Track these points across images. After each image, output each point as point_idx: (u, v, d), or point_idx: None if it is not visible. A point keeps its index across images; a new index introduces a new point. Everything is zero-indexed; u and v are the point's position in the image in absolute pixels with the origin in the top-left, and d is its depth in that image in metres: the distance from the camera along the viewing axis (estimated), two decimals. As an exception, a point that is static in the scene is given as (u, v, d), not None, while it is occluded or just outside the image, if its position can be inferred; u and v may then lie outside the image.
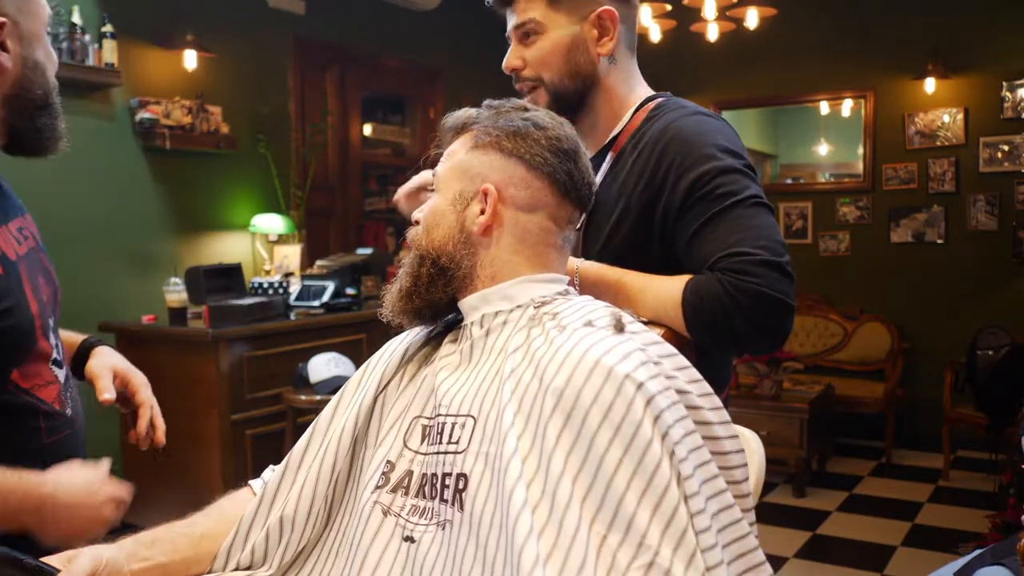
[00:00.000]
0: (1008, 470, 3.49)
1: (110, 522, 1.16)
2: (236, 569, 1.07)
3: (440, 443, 1.01)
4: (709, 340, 1.19)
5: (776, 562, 3.43)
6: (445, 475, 0.99)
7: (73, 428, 1.25)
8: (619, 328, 1.00)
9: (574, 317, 1.02)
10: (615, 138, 1.41)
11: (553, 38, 1.36)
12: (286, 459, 1.15)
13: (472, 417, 1.00)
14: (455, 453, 0.99)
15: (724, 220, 1.21)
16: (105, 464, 1.19)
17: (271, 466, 1.20)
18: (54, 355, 1.22)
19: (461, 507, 0.96)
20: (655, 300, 1.21)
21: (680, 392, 0.97)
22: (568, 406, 0.92)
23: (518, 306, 1.07)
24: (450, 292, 1.10)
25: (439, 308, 1.12)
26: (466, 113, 1.16)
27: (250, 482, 1.19)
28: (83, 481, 1.13)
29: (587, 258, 1.32)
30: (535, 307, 1.06)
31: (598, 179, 1.34)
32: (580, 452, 0.90)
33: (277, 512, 1.09)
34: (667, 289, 1.21)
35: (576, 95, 1.40)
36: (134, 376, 1.33)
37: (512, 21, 1.39)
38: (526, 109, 1.14)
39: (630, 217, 1.31)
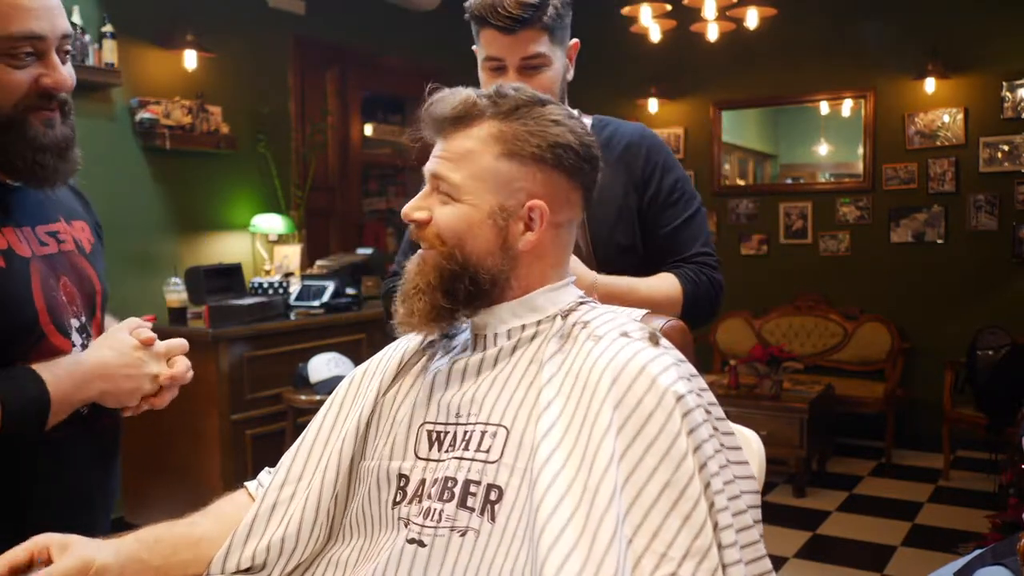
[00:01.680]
0: (1008, 470, 3.48)
1: (157, 377, 1.26)
2: (236, 571, 1.06)
3: (467, 449, 1.00)
4: (693, 319, 1.50)
5: (776, 562, 3.42)
6: (471, 482, 0.97)
7: (88, 423, 1.28)
8: (655, 341, 1.01)
9: (608, 327, 1.03)
10: None
11: (555, 72, 1.52)
12: (285, 471, 1.13)
13: (504, 427, 0.99)
14: (485, 462, 0.98)
15: (695, 221, 1.62)
16: (137, 324, 1.28)
17: (267, 469, 1.19)
18: (75, 351, 1.24)
19: (493, 518, 0.95)
20: (663, 296, 1.52)
21: (708, 410, 0.98)
22: (609, 411, 0.92)
23: (547, 316, 1.06)
24: (481, 305, 1.07)
25: (462, 317, 1.10)
26: (465, 99, 1.06)
27: (246, 484, 1.18)
28: (116, 345, 1.23)
29: (594, 248, 1.55)
30: (563, 317, 1.06)
31: None
32: (620, 454, 0.91)
33: (278, 528, 1.07)
34: (668, 285, 1.55)
35: None
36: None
37: (516, 51, 1.48)
38: (540, 103, 1.07)
39: (629, 206, 1.58)
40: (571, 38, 1.58)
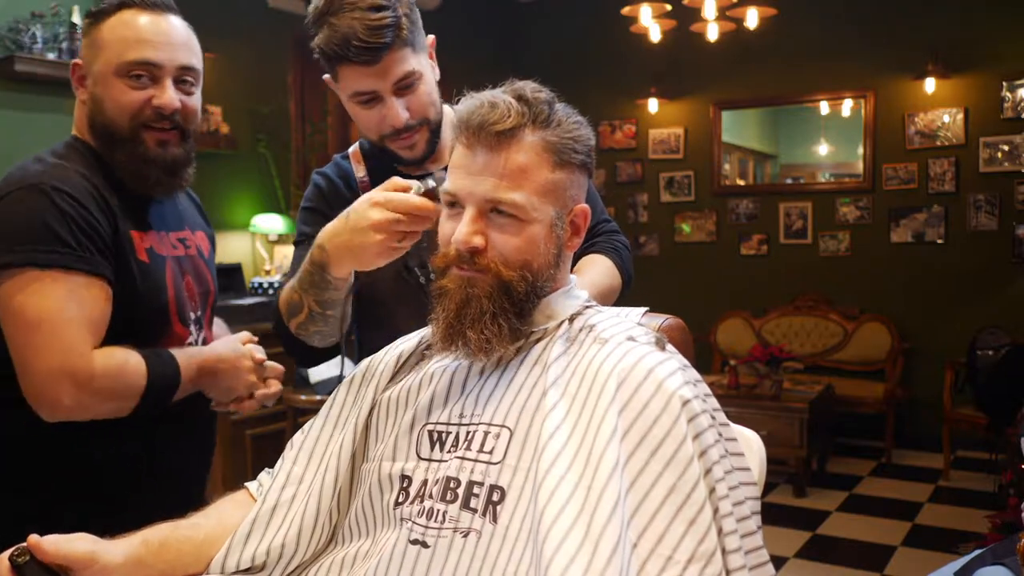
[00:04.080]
0: (1008, 470, 3.49)
1: (256, 382, 1.49)
2: (236, 572, 1.06)
3: (469, 449, 1.00)
4: (627, 287, 1.55)
5: (776, 562, 3.42)
6: (474, 483, 0.97)
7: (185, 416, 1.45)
8: (661, 346, 1.01)
9: (615, 330, 1.03)
10: None
11: (427, 81, 1.43)
12: (286, 473, 1.13)
13: (508, 428, 0.99)
14: (488, 463, 0.98)
15: (591, 193, 1.47)
16: (248, 337, 1.53)
17: (267, 470, 1.19)
18: (190, 339, 1.46)
19: (494, 519, 0.95)
20: (611, 279, 1.50)
21: (712, 416, 0.98)
22: (614, 416, 0.92)
23: (555, 322, 1.07)
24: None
25: None
26: (511, 112, 1.00)
27: (247, 485, 1.18)
28: (232, 348, 1.46)
29: None
30: (569, 320, 1.06)
31: None
32: (624, 459, 0.91)
33: (279, 531, 1.07)
34: (605, 267, 1.51)
35: (440, 124, 1.49)
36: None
37: (386, 78, 1.36)
38: (553, 102, 1.05)
39: None
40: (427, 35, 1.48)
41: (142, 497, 1.35)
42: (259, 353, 1.50)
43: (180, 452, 1.47)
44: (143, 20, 1.35)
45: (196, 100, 1.42)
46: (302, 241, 1.53)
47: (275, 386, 1.53)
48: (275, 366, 1.54)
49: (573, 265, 1.31)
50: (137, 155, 1.36)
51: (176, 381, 1.34)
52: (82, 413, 1.26)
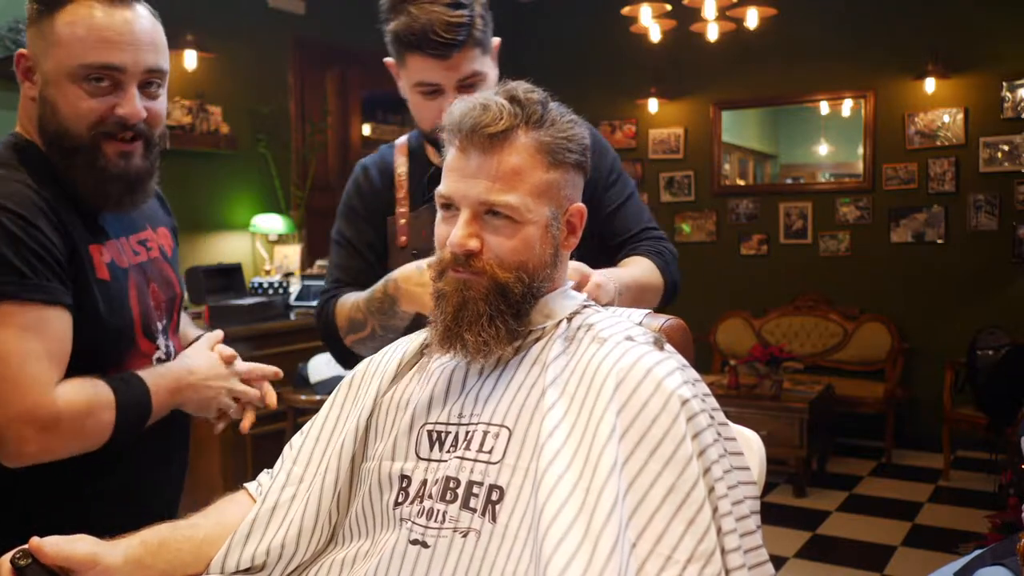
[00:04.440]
0: (1008, 470, 3.49)
1: (238, 389, 1.37)
2: (235, 572, 1.06)
3: (468, 449, 1.00)
4: (673, 292, 1.55)
5: (776, 562, 3.42)
6: (473, 483, 0.97)
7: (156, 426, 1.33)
8: (660, 346, 1.02)
9: (614, 330, 1.03)
10: None
11: (490, 82, 1.45)
12: (286, 473, 1.13)
13: (507, 428, 0.99)
14: (487, 463, 0.98)
15: (635, 199, 1.61)
16: (217, 338, 1.42)
17: (267, 470, 1.19)
18: (158, 354, 1.33)
19: (493, 519, 0.95)
20: (654, 279, 1.50)
21: (711, 415, 0.98)
22: (613, 416, 0.92)
23: (553, 322, 1.07)
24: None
25: None
26: (505, 112, 1.00)
27: (246, 485, 1.18)
28: (204, 360, 1.35)
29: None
30: (568, 320, 1.06)
31: None
32: (623, 459, 0.91)
33: (278, 531, 1.07)
34: (648, 268, 1.51)
35: None
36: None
37: (453, 74, 1.40)
38: (546, 101, 1.05)
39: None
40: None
41: (95, 514, 1.22)
42: (227, 351, 1.39)
43: (138, 467, 1.34)
44: (104, 14, 1.18)
45: (162, 103, 1.27)
46: (340, 242, 1.62)
47: (270, 395, 1.42)
48: (258, 368, 1.42)
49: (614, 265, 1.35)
50: (96, 169, 1.21)
51: (148, 410, 1.23)
52: (49, 457, 1.15)
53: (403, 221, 1.57)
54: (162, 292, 1.38)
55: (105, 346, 1.23)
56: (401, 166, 1.58)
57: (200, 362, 1.34)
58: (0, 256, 1.11)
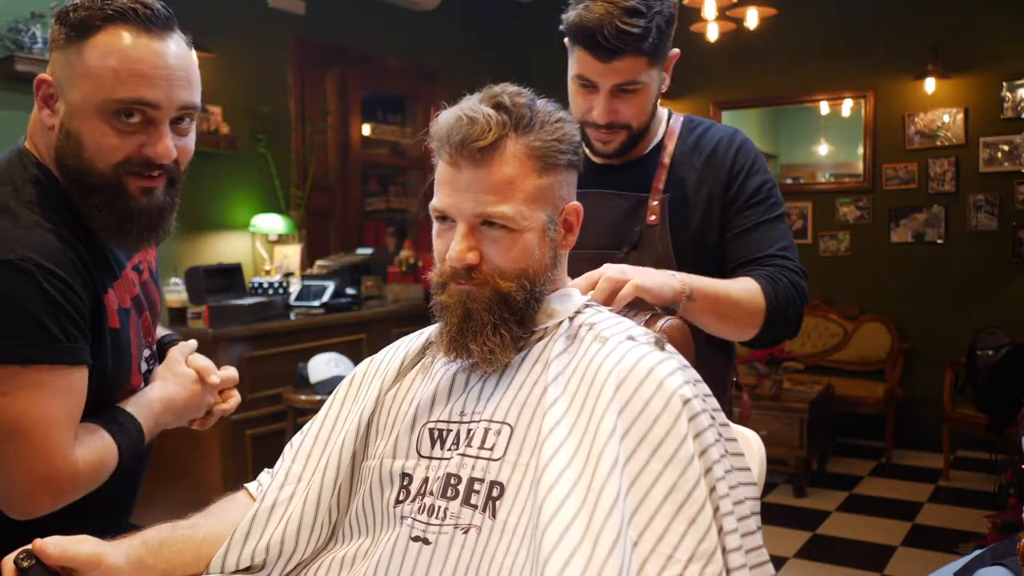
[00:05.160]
0: (1008, 470, 3.49)
1: (210, 403, 1.37)
2: (235, 571, 1.06)
3: (470, 446, 1.00)
4: (778, 325, 1.43)
5: (776, 562, 3.42)
6: (474, 479, 0.98)
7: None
8: (660, 346, 1.02)
9: (615, 330, 1.03)
10: (658, 145, 1.55)
11: (648, 92, 1.44)
12: (285, 472, 1.13)
13: (509, 425, 0.99)
14: (489, 460, 0.98)
15: (773, 226, 1.51)
16: (190, 349, 1.40)
17: (267, 470, 1.19)
18: (141, 386, 1.31)
19: (493, 515, 0.95)
20: (749, 299, 1.40)
21: (712, 416, 0.98)
22: (614, 416, 0.93)
23: (555, 322, 1.07)
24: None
25: None
26: (493, 124, 0.99)
27: (246, 485, 1.18)
28: (179, 380, 1.33)
29: (678, 254, 1.47)
30: (569, 319, 1.06)
31: (654, 178, 1.52)
32: (624, 458, 0.91)
33: (277, 528, 1.07)
34: (749, 286, 1.42)
35: (647, 130, 1.52)
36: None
37: (610, 78, 1.39)
38: (534, 100, 1.05)
39: (713, 210, 1.51)
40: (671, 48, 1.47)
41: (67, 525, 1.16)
42: (200, 362, 1.37)
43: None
44: (139, 45, 1.11)
45: (192, 139, 1.21)
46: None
47: (233, 399, 1.41)
48: (227, 376, 1.40)
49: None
50: (118, 208, 1.15)
51: (141, 447, 1.23)
52: (54, 509, 1.13)
53: None
54: (150, 317, 1.35)
55: (108, 392, 1.22)
56: None
57: (176, 387, 1.32)
58: (36, 319, 1.07)
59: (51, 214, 1.14)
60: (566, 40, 1.44)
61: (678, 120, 1.58)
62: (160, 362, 1.38)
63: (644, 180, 1.52)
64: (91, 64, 1.10)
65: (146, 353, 1.33)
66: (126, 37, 1.11)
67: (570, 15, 1.38)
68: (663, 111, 1.58)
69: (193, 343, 1.41)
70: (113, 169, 1.14)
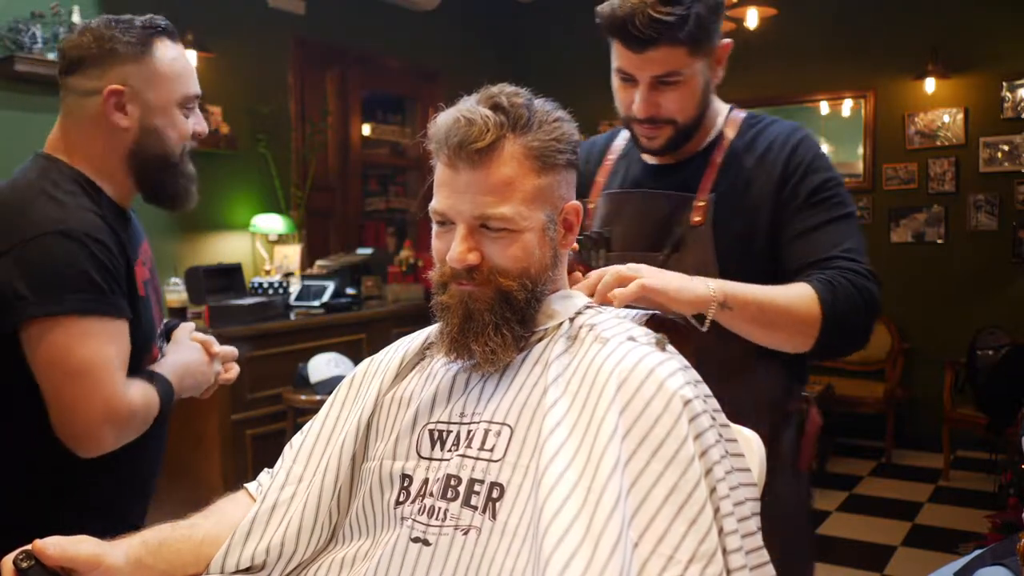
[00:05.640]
0: (1008, 470, 3.49)
1: (217, 370, 1.57)
2: (235, 571, 1.06)
3: (470, 447, 1.00)
4: (838, 336, 1.30)
5: (776, 562, 3.42)
6: (474, 480, 0.98)
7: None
8: (661, 347, 1.02)
9: (616, 331, 1.03)
10: (713, 143, 1.47)
11: (692, 84, 1.38)
12: (285, 472, 1.13)
13: (509, 426, 0.99)
14: (489, 461, 0.98)
15: (839, 226, 1.38)
16: (191, 328, 1.60)
17: (267, 470, 1.19)
18: (159, 359, 1.50)
19: (493, 516, 0.95)
20: (800, 305, 1.28)
21: (713, 416, 0.98)
22: (615, 416, 0.92)
23: (555, 323, 1.07)
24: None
25: None
26: (490, 125, 0.98)
27: (246, 485, 1.18)
28: (192, 353, 1.53)
29: (725, 257, 1.38)
30: (570, 320, 1.06)
31: (703, 177, 1.44)
32: (625, 459, 0.91)
33: (278, 529, 1.07)
34: (801, 288, 1.30)
35: (697, 125, 1.44)
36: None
37: (647, 69, 1.35)
38: (531, 100, 1.04)
39: (766, 211, 1.41)
40: (719, 39, 1.40)
41: (92, 505, 1.39)
42: (214, 346, 1.57)
43: (136, 457, 1.45)
44: (182, 52, 1.46)
45: None
46: None
47: (233, 370, 1.62)
48: (227, 350, 1.61)
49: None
50: (186, 175, 1.46)
51: (172, 400, 1.43)
52: (116, 446, 1.32)
53: (592, 205, 1.52)
54: (160, 301, 1.55)
55: (139, 354, 1.40)
56: (619, 145, 1.59)
57: (193, 355, 1.53)
58: (90, 278, 1.28)
59: (87, 201, 1.35)
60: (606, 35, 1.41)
61: (739, 116, 1.50)
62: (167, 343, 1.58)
63: (693, 179, 1.44)
64: (164, 70, 1.40)
65: (158, 331, 1.51)
66: (171, 45, 1.44)
67: (603, 7, 1.36)
68: (722, 106, 1.51)
69: (192, 324, 1.63)
70: (182, 147, 1.44)
